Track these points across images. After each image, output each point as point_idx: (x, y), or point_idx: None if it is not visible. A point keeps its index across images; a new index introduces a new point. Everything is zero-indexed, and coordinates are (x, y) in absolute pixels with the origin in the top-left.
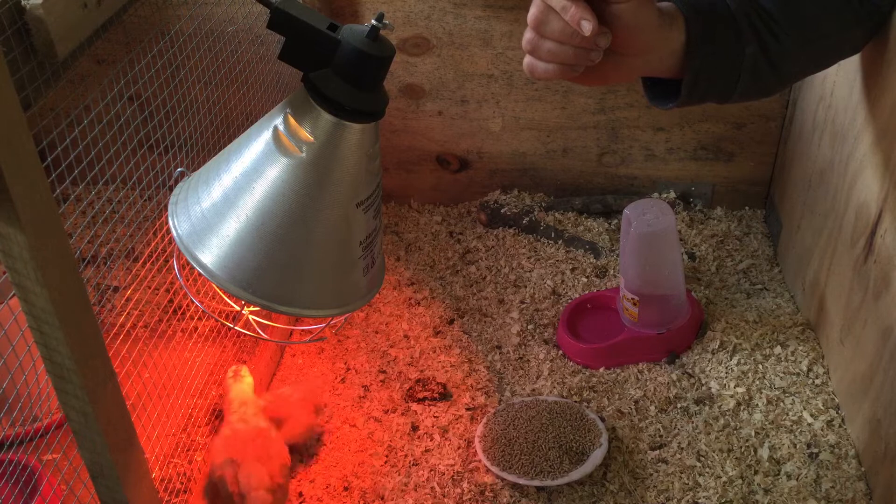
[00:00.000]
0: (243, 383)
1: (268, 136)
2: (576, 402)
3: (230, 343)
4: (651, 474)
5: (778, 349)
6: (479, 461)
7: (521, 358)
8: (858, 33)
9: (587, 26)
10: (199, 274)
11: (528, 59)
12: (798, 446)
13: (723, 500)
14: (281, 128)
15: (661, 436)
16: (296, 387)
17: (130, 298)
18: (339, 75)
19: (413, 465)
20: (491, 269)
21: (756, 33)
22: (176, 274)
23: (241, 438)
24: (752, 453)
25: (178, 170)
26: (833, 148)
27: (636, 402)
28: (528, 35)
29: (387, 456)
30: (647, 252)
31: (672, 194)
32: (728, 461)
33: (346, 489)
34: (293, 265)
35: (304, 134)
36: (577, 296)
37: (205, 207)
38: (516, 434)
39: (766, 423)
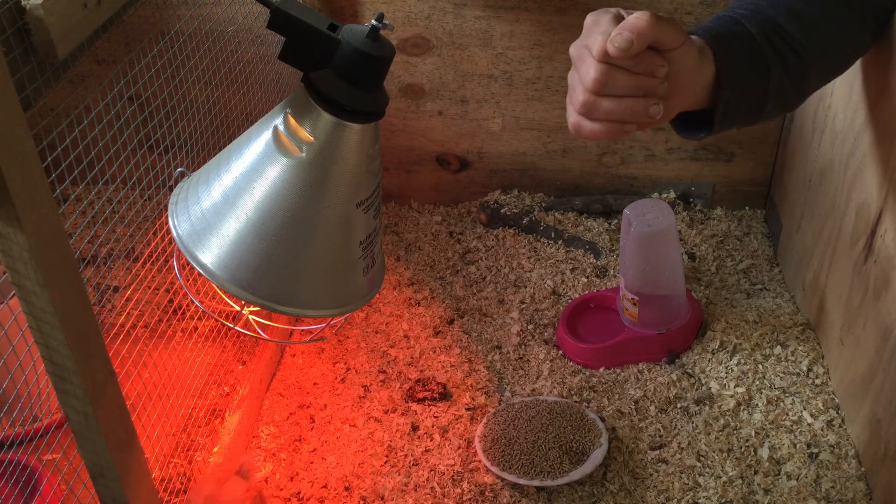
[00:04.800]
0: None
1: (268, 136)
2: (576, 402)
3: (230, 343)
4: (651, 474)
5: (778, 349)
6: (479, 461)
7: (521, 358)
8: (868, 37)
9: (663, 70)
10: (199, 274)
11: (576, 119)
12: (798, 446)
13: (723, 500)
14: (281, 128)
15: (661, 436)
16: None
17: (130, 298)
18: (339, 75)
19: (413, 465)
20: (491, 269)
21: (778, 53)
22: (176, 274)
23: None
24: (752, 453)
25: (178, 170)
26: (833, 148)
27: (636, 402)
28: (582, 97)
29: (387, 456)
30: (647, 252)
31: (672, 194)
32: (728, 461)
33: (346, 489)
34: (293, 265)
35: (304, 134)
36: (577, 296)
37: (205, 207)
38: (516, 434)
39: (766, 423)
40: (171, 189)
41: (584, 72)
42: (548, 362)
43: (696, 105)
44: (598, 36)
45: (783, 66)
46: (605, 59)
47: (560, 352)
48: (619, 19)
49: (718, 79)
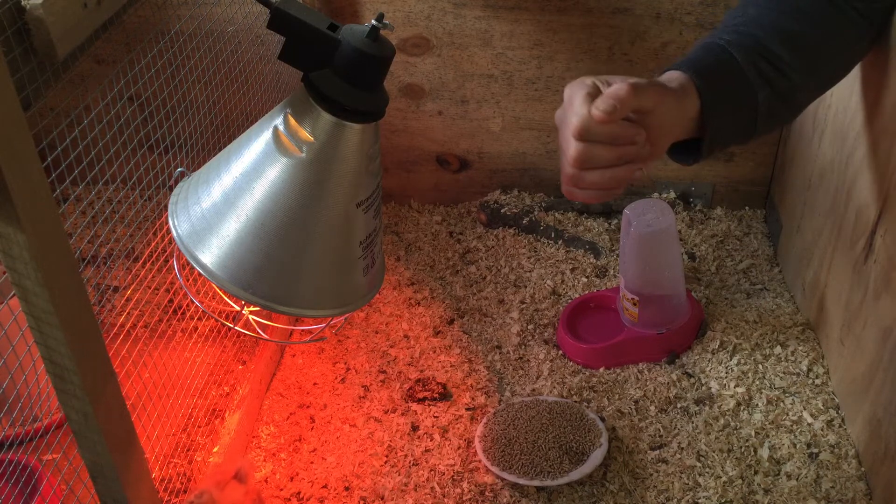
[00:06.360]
0: None
1: (268, 136)
2: (576, 402)
3: (230, 343)
4: (651, 474)
5: (778, 349)
6: (479, 461)
7: (521, 358)
8: (863, 45)
9: (641, 137)
10: (199, 274)
11: (566, 188)
12: (798, 446)
13: (723, 500)
14: (281, 128)
15: (661, 436)
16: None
17: (130, 298)
18: (339, 75)
19: (413, 465)
20: (491, 269)
21: (766, 79)
22: (176, 274)
23: None
24: (752, 453)
25: (179, 170)
26: (833, 148)
27: (636, 402)
28: (568, 170)
29: (387, 456)
30: (647, 252)
31: (672, 194)
32: (728, 461)
33: (346, 489)
34: (293, 265)
35: (304, 134)
36: (577, 296)
37: (205, 207)
38: (516, 434)
39: (766, 423)
40: (171, 189)
41: (566, 147)
42: (548, 362)
43: (684, 135)
44: (573, 117)
45: (771, 91)
46: (583, 138)
47: (560, 352)
48: (593, 95)
49: (703, 111)
